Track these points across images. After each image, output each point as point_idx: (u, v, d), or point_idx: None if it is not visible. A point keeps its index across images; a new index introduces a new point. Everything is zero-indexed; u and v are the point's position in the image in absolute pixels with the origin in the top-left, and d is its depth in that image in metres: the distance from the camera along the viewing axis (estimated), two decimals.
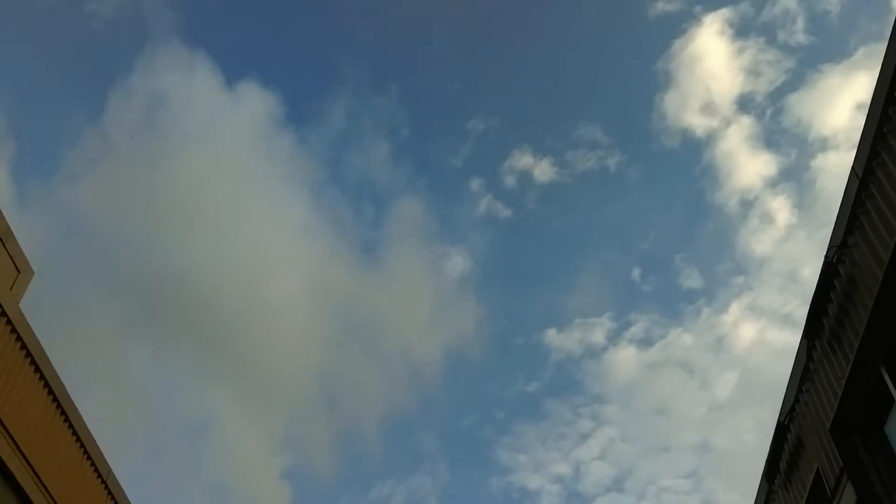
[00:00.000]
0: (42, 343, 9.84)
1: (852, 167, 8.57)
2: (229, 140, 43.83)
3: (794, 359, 10.60)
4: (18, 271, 9.70)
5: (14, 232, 9.56)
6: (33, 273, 10.00)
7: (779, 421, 11.18)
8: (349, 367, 49.17)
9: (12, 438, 9.13)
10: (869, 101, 8.12)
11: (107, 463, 11.54)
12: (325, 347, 48.57)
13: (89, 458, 11.03)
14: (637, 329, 47.99)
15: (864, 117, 8.18)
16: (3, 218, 9.31)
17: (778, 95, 44.31)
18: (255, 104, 43.23)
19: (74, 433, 10.65)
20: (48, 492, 9.84)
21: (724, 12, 41.29)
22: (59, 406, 10.24)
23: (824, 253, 9.20)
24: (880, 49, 7.82)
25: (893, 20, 7.71)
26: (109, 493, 11.64)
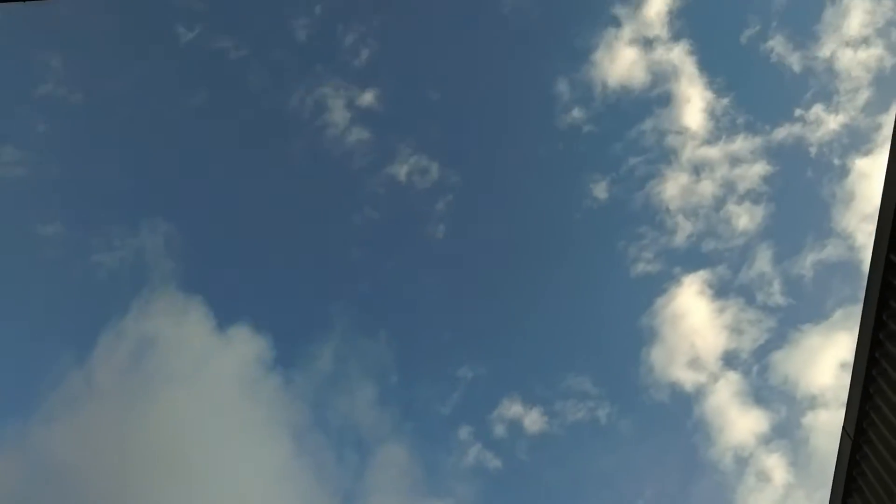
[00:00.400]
0: None
1: (843, 427, 8.60)
2: (215, 383, 43.65)
3: None
4: None
5: None
6: None
7: None
8: None
9: None
10: (852, 362, 8.37)
11: None
12: None
13: None
14: None
15: (849, 376, 8.38)
16: None
17: (762, 353, 45.43)
18: (244, 348, 43.70)
19: None
20: None
21: (703, 274, 43.60)
22: None
23: None
24: (856, 311, 8.23)
25: (865, 289, 8.21)
26: None
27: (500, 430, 47.66)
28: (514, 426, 48.00)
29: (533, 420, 47.41)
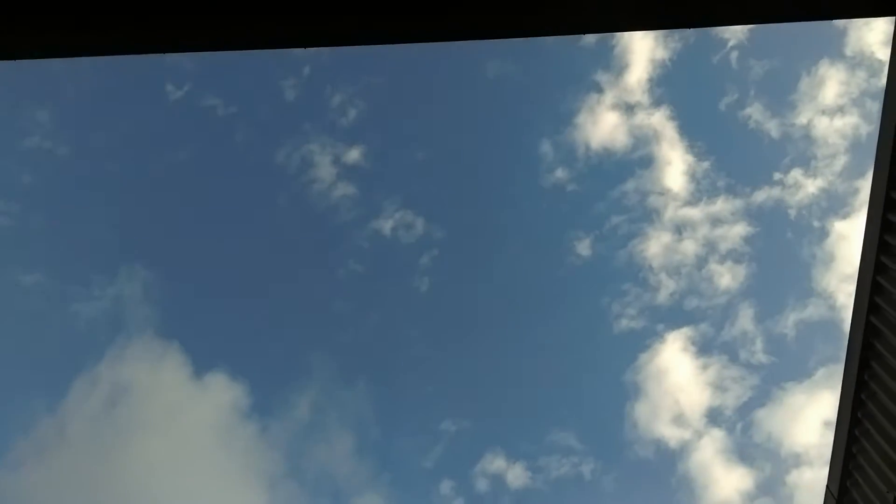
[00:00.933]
0: None
1: (827, 486, 8.66)
2: (190, 430, 42.74)
3: None
4: None
5: None
6: None
7: None
8: None
9: None
10: (835, 422, 8.48)
11: None
12: None
13: None
14: None
15: (833, 434, 8.47)
16: None
17: (746, 410, 45.43)
18: (220, 395, 42.96)
19: None
20: None
21: (686, 331, 43.83)
22: None
23: None
24: (838, 369, 8.38)
25: (847, 342, 8.38)
26: None
27: (482, 485, 46.86)
28: (497, 481, 47.25)
29: (516, 475, 46.72)
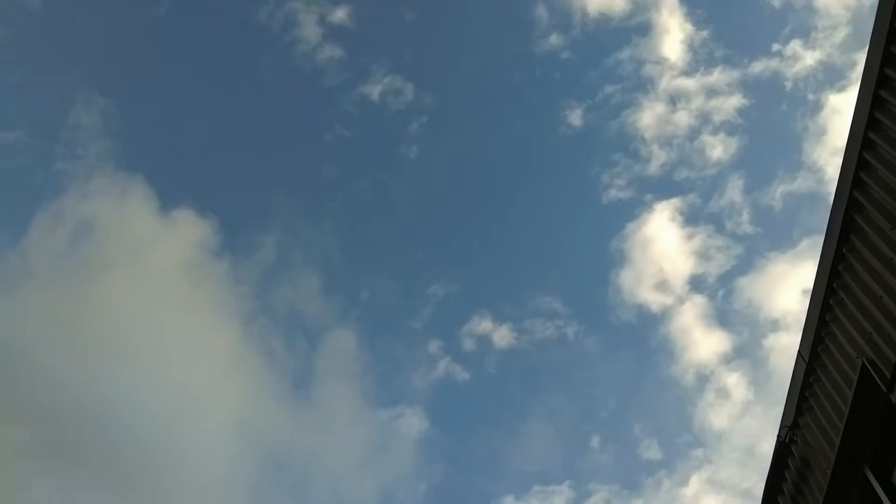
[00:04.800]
0: None
1: (798, 351, 9.14)
2: (158, 267, 43.06)
3: None
4: None
5: None
6: None
7: None
8: None
9: None
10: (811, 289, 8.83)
11: None
12: (249, 485, 45.83)
13: None
14: (597, 499, 47.06)
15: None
16: None
17: (728, 278, 46.93)
18: (188, 231, 42.75)
19: None
20: None
21: (674, 201, 44.35)
22: None
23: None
24: (822, 241, 8.63)
25: (829, 216, 8.58)
26: None
27: (469, 345, 48.91)
28: (484, 341, 49.27)
29: (502, 336, 48.64)
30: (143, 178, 42.52)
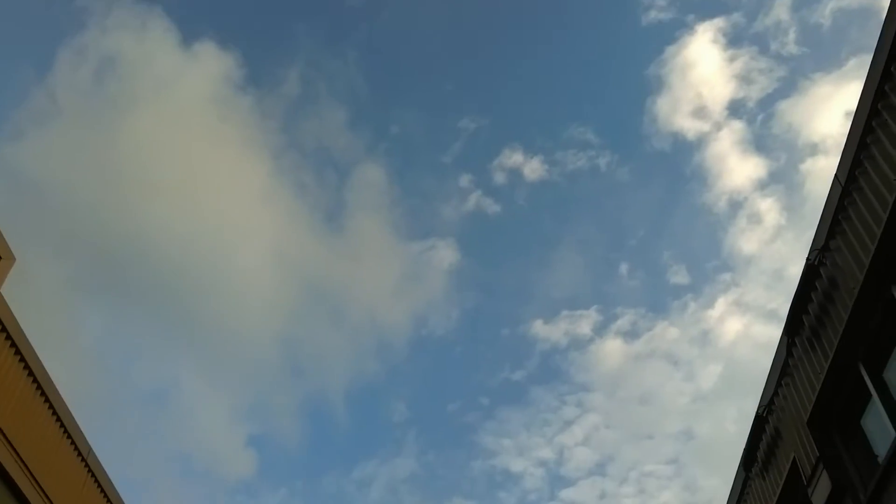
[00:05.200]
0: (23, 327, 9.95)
1: (835, 174, 8.99)
2: (184, 102, 42.72)
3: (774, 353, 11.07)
4: (0, 258, 9.79)
5: None
6: (14, 259, 10.07)
7: (757, 412, 11.67)
8: (314, 333, 49.05)
9: None
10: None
11: (87, 442, 11.69)
12: (288, 313, 48.31)
13: (69, 437, 11.19)
14: (624, 322, 48.83)
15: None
16: None
17: (769, 102, 45.30)
18: (211, 65, 41.96)
19: (54, 413, 10.78)
20: (28, 470, 10.00)
21: (718, 22, 41.99)
22: (39, 387, 10.38)
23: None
24: (870, 61, 8.21)
25: (880, 33, 8.10)
26: (90, 471, 11.83)
27: (500, 178, 48.78)
28: (515, 174, 49.06)
29: (533, 169, 48.32)
30: (162, 9, 41.03)
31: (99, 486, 12.16)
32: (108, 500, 12.43)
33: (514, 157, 46.72)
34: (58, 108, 40.93)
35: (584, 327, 48.80)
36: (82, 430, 11.54)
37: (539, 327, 48.85)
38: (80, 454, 11.54)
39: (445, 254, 48.20)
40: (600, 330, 50.04)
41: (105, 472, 12.31)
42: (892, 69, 7.85)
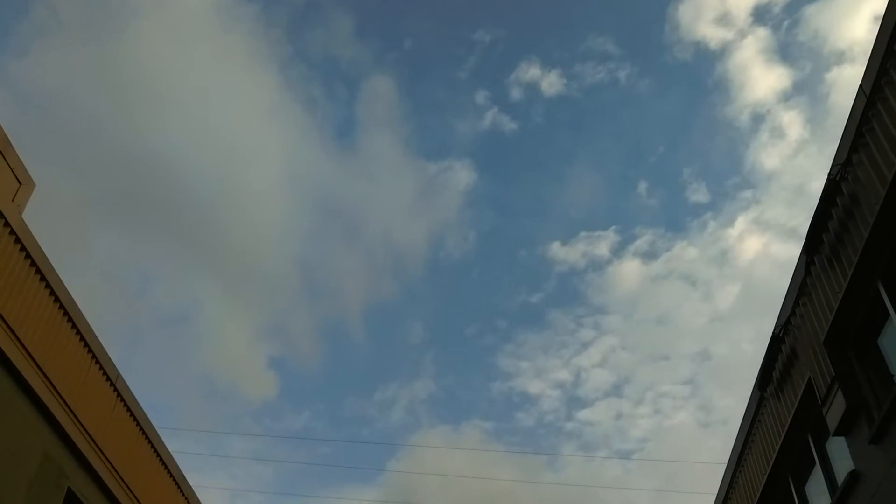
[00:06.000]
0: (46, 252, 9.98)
1: (860, 84, 8.54)
2: (188, 11, 41.78)
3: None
4: (20, 183, 9.73)
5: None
6: (34, 185, 10.02)
7: (774, 332, 11.51)
8: (329, 253, 49.26)
9: (24, 346, 9.39)
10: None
11: (115, 367, 11.89)
12: (303, 232, 48.42)
13: (98, 362, 11.37)
14: (642, 242, 48.42)
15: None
16: (2, 129, 9.25)
17: (795, 7, 43.34)
18: None
19: (82, 339, 10.93)
20: (62, 397, 10.20)
21: None
22: (66, 314, 10.48)
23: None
24: None
25: None
26: (119, 395, 12.08)
27: (517, 94, 47.56)
28: (532, 89, 47.81)
29: (551, 83, 47.04)
30: None
31: (129, 409, 12.45)
32: (138, 423, 12.76)
33: (532, 71, 45.53)
34: (59, 21, 40.17)
35: (602, 248, 48.52)
36: (109, 355, 11.74)
37: (557, 249, 48.68)
38: (109, 379, 11.77)
39: (462, 175, 47.68)
40: (618, 251, 49.76)
41: (133, 395, 12.58)
42: None
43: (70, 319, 10.58)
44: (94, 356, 11.26)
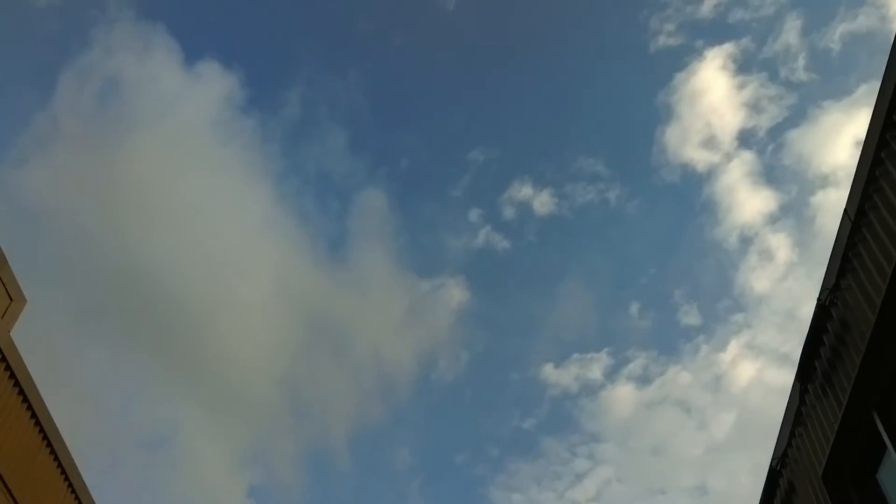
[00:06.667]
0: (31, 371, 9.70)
1: (845, 209, 8.51)
2: (186, 125, 42.73)
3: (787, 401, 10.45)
4: (11, 299, 9.64)
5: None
6: (26, 301, 9.91)
7: (771, 466, 10.98)
8: (317, 371, 48.22)
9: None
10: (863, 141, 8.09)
11: (90, 496, 11.33)
12: (290, 350, 47.53)
13: (73, 491, 10.85)
14: (635, 366, 47.65)
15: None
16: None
17: (779, 131, 44.54)
18: (213, 85, 41.90)
19: (60, 466, 10.47)
20: None
21: (727, 47, 41.64)
22: (45, 438, 10.08)
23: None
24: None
25: (886, 62, 7.70)
26: None
27: (509, 212, 48.42)
28: (524, 208, 48.67)
29: (543, 202, 47.92)
30: (166, 28, 41.42)
31: None
32: None
33: (524, 191, 46.31)
34: (60, 132, 41.26)
35: (595, 371, 47.67)
36: (87, 484, 11.21)
37: (549, 371, 47.83)
38: None
39: (454, 292, 47.58)
40: (611, 374, 48.85)
41: None
42: None
43: (49, 444, 10.17)
44: (71, 487, 10.76)
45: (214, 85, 41.84)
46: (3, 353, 9.09)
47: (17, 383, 9.36)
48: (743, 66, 43.28)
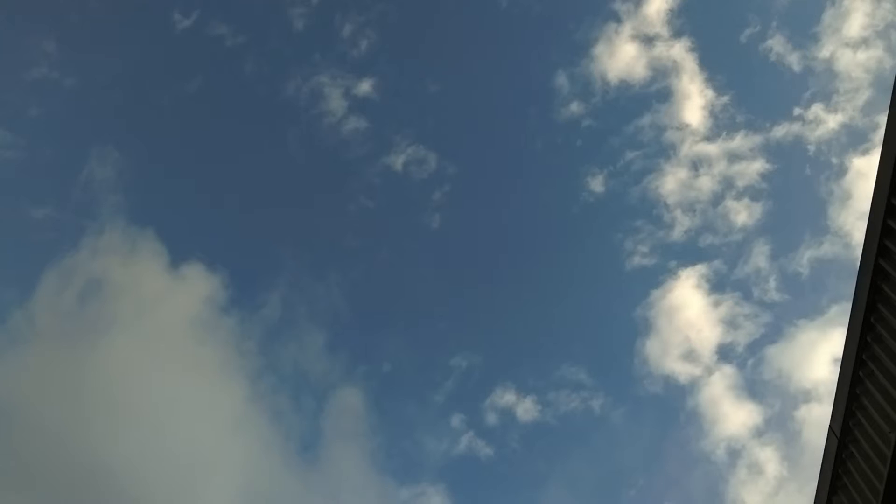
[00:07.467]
0: None
1: (830, 426, 8.77)
2: (165, 325, 42.60)
3: None
4: None
5: None
6: None
7: None
8: None
9: None
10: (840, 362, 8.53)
11: None
12: None
13: None
14: None
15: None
16: None
17: (757, 347, 45.74)
18: (196, 287, 42.38)
19: None
20: None
21: (700, 268, 43.81)
22: None
23: None
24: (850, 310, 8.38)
25: (855, 286, 8.36)
26: None
27: (492, 419, 47.97)
28: (507, 415, 48.31)
29: (526, 409, 47.69)
30: (154, 231, 42.82)
31: None
32: None
33: (507, 397, 46.07)
34: (35, 330, 41.07)
35: None
36: None
37: None
38: None
39: (435, 501, 45.70)
40: None
41: None
42: (871, 320, 7.98)
43: None
44: None
45: (197, 286, 42.59)
46: None
47: None
48: (717, 286, 45.36)
